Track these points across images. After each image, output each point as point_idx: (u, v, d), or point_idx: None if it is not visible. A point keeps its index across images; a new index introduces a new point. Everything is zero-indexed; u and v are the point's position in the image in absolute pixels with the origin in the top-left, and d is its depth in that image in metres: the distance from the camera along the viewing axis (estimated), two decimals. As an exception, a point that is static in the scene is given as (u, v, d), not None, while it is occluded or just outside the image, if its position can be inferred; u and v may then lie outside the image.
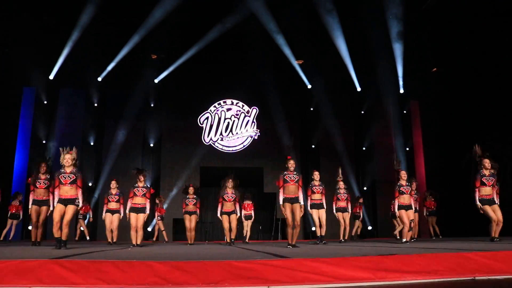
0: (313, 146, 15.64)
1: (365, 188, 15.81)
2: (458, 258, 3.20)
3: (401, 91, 14.46)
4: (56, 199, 6.28)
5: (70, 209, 6.10)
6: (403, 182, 8.06)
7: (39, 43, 12.16)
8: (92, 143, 14.88)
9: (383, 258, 3.09)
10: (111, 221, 9.75)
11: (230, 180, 9.34)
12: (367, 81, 14.65)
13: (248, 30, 12.15)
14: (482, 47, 12.13)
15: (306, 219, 13.71)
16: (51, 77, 13.28)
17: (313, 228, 9.73)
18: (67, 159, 6.18)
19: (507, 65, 11.69)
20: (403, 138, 15.67)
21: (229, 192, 9.32)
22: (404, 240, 7.81)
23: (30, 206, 8.25)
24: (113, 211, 9.74)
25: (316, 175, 9.12)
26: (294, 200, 6.91)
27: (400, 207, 8.01)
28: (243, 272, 2.82)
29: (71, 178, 6.15)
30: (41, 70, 13.32)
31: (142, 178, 8.44)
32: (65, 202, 6.11)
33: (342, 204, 10.07)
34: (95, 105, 14.94)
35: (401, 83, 14.17)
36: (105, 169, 14.33)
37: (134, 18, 11.83)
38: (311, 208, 9.07)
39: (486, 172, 7.80)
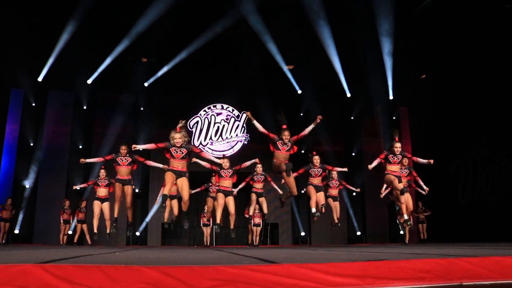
0: (302, 152, 15.66)
1: (354, 194, 15.85)
2: (446, 263, 3.21)
3: (391, 97, 14.56)
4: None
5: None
6: (396, 150, 7.47)
7: (27, 44, 12.06)
8: (80, 146, 14.74)
9: (371, 264, 3.09)
10: (100, 209, 8.86)
11: (226, 159, 8.50)
12: (357, 87, 14.74)
13: (239, 35, 12.18)
14: (471, 54, 12.29)
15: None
16: (39, 79, 13.14)
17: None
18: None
19: (494, 71, 11.85)
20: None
21: (226, 167, 8.43)
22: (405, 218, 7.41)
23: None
24: (102, 199, 8.88)
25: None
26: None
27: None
28: (230, 277, 2.81)
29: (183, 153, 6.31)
30: (29, 71, 13.19)
31: (124, 149, 7.72)
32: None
33: (333, 192, 9.80)
34: (84, 107, 14.83)
35: (390, 89, 14.28)
36: (94, 172, 14.20)
37: (124, 21, 11.79)
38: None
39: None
